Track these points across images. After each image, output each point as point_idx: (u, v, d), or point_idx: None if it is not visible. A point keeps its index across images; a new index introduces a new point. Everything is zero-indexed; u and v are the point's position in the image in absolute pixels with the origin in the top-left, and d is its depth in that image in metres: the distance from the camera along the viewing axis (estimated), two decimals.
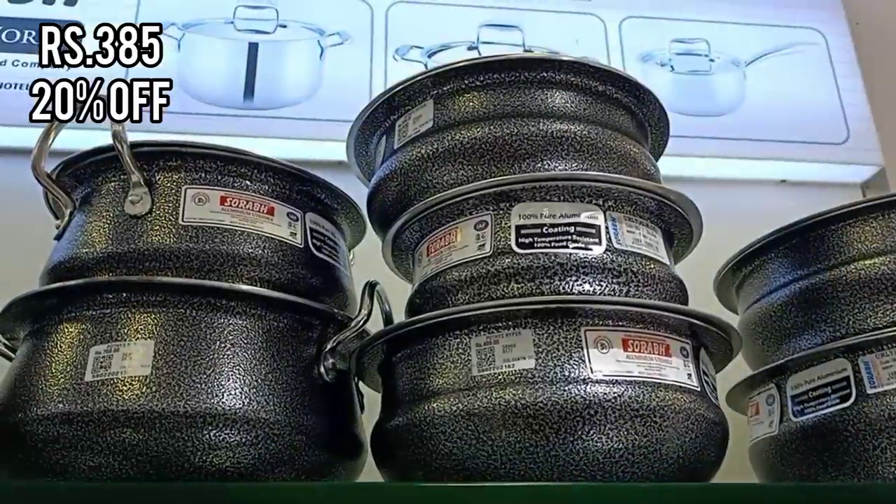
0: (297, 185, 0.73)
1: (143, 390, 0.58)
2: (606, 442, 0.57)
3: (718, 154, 1.22)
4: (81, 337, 0.62)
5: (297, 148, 1.13)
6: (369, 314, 0.70)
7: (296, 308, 0.67)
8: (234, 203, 0.69)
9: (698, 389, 0.62)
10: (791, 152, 1.23)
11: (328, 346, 0.67)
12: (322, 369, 0.67)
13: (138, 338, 0.61)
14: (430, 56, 1.22)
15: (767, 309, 0.81)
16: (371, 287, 0.72)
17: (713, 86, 1.28)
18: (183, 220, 0.67)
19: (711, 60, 1.29)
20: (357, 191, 0.79)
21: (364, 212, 0.79)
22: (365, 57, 1.21)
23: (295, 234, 0.71)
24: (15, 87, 1.14)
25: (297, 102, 1.18)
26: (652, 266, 0.66)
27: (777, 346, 0.80)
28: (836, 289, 0.75)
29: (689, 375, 0.62)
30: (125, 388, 0.59)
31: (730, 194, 1.23)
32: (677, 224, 0.72)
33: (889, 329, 0.70)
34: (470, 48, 1.23)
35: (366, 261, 0.84)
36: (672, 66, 1.28)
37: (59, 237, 0.71)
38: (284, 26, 1.22)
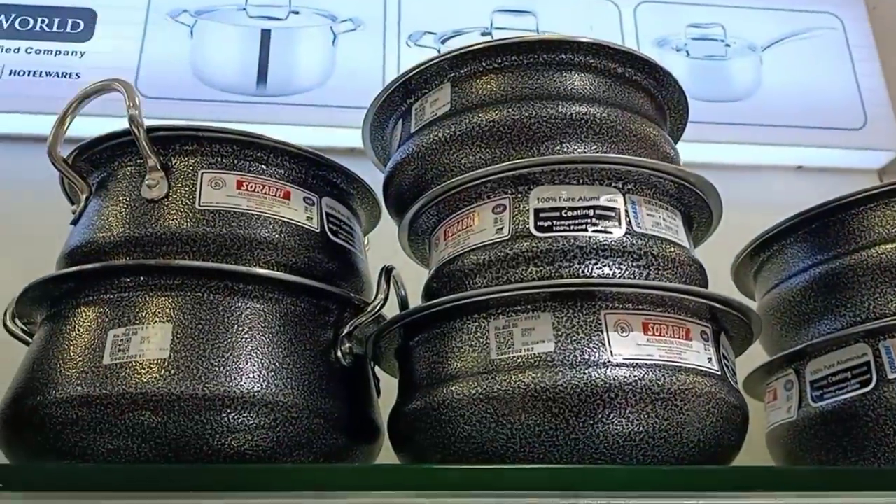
0: (313, 170, 0.72)
1: (162, 373, 0.58)
2: (627, 425, 0.56)
3: (734, 140, 1.21)
4: (99, 320, 0.62)
5: (309, 134, 1.12)
6: (386, 299, 0.70)
7: (313, 292, 0.67)
8: (251, 187, 0.69)
9: (719, 373, 0.62)
10: (808, 138, 1.22)
11: (345, 331, 0.67)
12: (339, 353, 0.67)
13: (156, 321, 0.61)
14: (443, 42, 1.22)
15: (786, 294, 0.80)
16: (387, 272, 0.71)
17: (729, 71, 1.27)
18: (199, 205, 0.67)
19: (727, 45, 1.28)
20: (371, 177, 0.79)
21: (379, 197, 0.79)
22: (378, 43, 1.21)
23: (311, 218, 0.71)
24: (29, 75, 1.14)
25: (310, 89, 1.18)
26: (672, 249, 0.65)
27: (796, 332, 0.79)
28: (856, 273, 0.74)
29: (710, 359, 0.62)
30: (143, 371, 0.58)
31: (746, 180, 1.22)
32: (697, 207, 0.71)
33: None
34: (483, 34, 1.22)
35: (381, 246, 0.84)
36: (688, 52, 1.27)
37: (75, 222, 0.71)
38: (297, 13, 1.22)
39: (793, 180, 1.27)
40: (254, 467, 0.57)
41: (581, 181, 0.65)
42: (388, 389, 0.74)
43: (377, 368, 0.76)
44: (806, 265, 0.79)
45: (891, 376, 0.69)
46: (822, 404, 0.73)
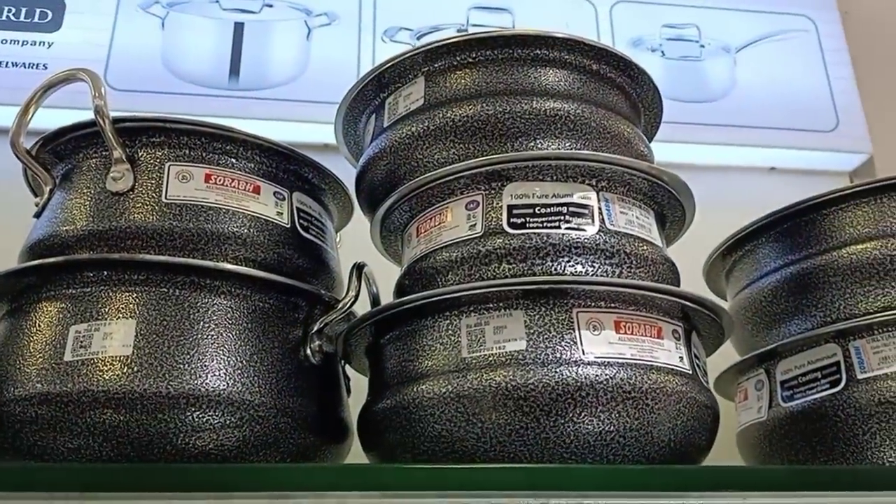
0: (283, 164, 0.71)
1: (125, 370, 0.57)
2: (598, 424, 0.56)
3: (708, 141, 1.21)
4: (61, 316, 0.60)
5: (282, 129, 1.11)
6: (357, 296, 0.69)
7: (282, 288, 0.66)
8: (219, 181, 0.67)
9: (690, 372, 0.62)
10: (781, 139, 1.23)
11: (315, 328, 0.66)
12: (308, 351, 0.65)
13: (120, 317, 0.59)
14: (418, 38, 1.21)
15: (757, 294, 0.80)
16: (359, 269, 0.70)
17: (703, 72, 1.28)
18: (166, 198, 0.65)
19: (702, 46, 1.28)
20: (345, 174, 0.78)
21: (352, 192, 0.78)
22: (353, 38, 1.19)
23: (281, 213, 0.70)
24: None
25: (284, 83, 1.16)
26: (645, 248, 0.65)
27: (767, 332, 0.79)
28: (826, 273, 0.75)
29: (681, 358, 0.62)
30: (106, 368, 0.57)
31: (719, 181, 1.22)
32: (670, 206, 0.71)
33: (880, 314, 0.70)
34: (459, 30, 1.22)
35: (353, 243, 0.83)
36: (663, 52, 1.27)
37: (38, 215, 0.69)
38: (271, 6, 1.20)
39: (765, 182, 1.27)
40: (219, 467, 0.56)
41: (555, 178, 0.64)
42: (358, 388, 0.73)
43: (348, 367, 0.75)
44: (777, 265, 0.79)
45: (860, 377, 0.69)
46: (792, 404, 0.73)
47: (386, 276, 0.75)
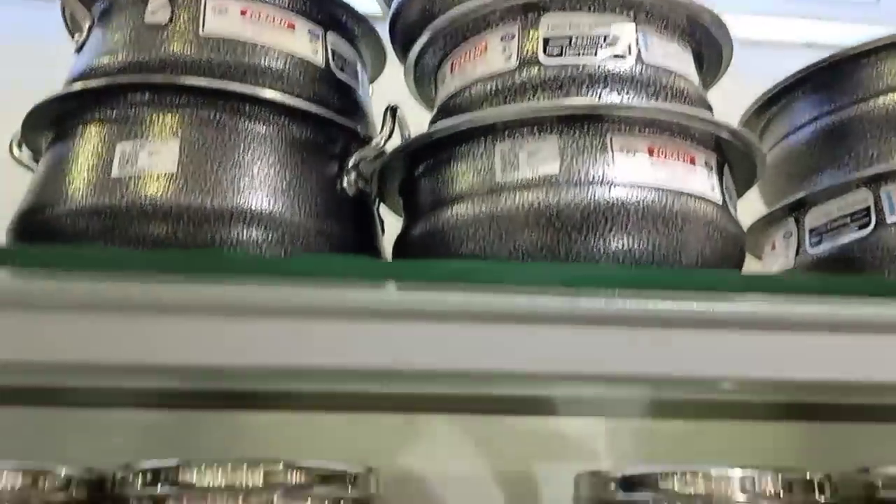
0: (317, 3, 0.71)
1: (171, 186, 0.59)
2: (628, 241, 0.57)
3: (741, 9, 1.18)
4: (107, 135, 0.62)
5: None
6: (391, 134, 0.70)
7: (318, 121, 0.67)
8: (255, 16, 0.68)
9: (720, 203, 0.63)
10: (819, 9, 1.19)
11: (351, 162, 0.68)
12: (345, 184, 0.67)
13: (164, 137, 0.61)
14: None
15: (792, 147, 0.80)
16: (392, 111, 0.71)
17: None
18: (203, 31, 0.66)
19: None
20: None
21: (384, 39, 0.78)
22: None
23: (316, 51, 0.70)
24: None
25: None
26: (681, 82, 0.65)
27: (798, 184, 0.79)
28: (862, 123, 0.74)
29: (713, 188, 0.62)
30: (152, 183, 0.59)
31: (751, 57, 1.18)
32: (708, 44, 0.70)
33: None
34: None
35: (385, 97, 0.83)
36: None
37: (79, 50, 0.70)
38: None
39: (801, 59, 1.24)
40: (262, 258, 0.58)
41: (592, 9, 0.64)
42: (391, 232, 0.74)
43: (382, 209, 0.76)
44: (812, 117, 0.79)
45: (889, 220, 0.69)
46: (819, 249, 0.74)
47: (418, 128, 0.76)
